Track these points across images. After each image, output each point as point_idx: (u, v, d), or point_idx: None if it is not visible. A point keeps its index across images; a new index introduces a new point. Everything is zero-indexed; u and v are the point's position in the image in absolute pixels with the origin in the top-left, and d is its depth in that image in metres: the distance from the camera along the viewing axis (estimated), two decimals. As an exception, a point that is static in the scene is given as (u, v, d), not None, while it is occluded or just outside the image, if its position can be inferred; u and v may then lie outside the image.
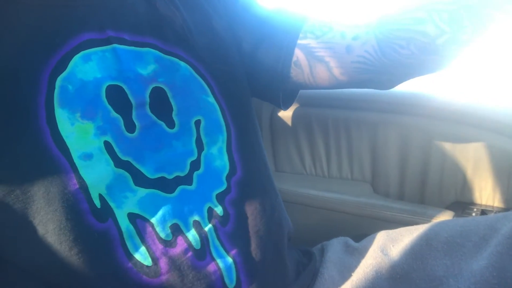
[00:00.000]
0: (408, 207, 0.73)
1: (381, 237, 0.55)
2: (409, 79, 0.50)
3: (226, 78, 0.50)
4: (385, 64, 0.46)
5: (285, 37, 0.50)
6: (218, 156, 0.47)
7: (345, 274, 0.51)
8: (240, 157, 0.48)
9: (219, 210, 0.45)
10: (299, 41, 0.50)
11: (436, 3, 0.41)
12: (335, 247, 0.58)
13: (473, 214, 0.69)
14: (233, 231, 0.45)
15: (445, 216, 0.70)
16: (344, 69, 0.49)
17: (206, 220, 0.43)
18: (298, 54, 0.50)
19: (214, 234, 0.44)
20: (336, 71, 0.49)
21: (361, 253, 0.54)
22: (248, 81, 0.54)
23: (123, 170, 0.39)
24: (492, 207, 0.70)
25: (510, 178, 0.67)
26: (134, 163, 0.40)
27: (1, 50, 0.36)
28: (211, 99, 0.47)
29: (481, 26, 0.40)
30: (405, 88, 0.75)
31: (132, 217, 0.39)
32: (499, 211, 0.69)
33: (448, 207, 0.72)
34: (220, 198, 0.45)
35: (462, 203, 0.72)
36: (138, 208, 0.40)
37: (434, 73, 0.47)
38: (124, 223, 0.38)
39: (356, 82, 0.51)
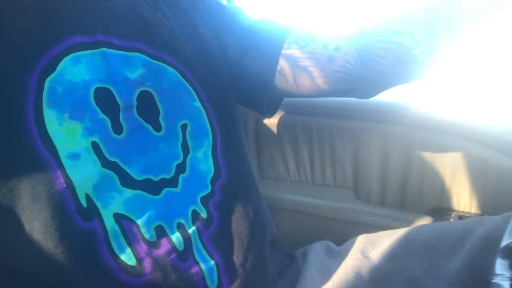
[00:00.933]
0: (389, 213, 0.75)
1: (362, 240, 0.56)
2: (388, 88, 0.52)
3: (212, 84, 0.51)
4: (365, 73, 0.48)
5: (270, 47, 0.52)
6: (203, 160, 0.48)
7: (326, 275, 0.52)
8: (225, 162, 0.49)
9: (203, 213, 0.46)
10: (283, 51, 0.51)
11: (413, 16, 0.44)
12: (317, 250, 0.59)
13: (451, 219, 0.71)
14: (216, 234, 0.46)
15: (424, 221, 0.72)
16: (327, 78, 0.50)
17: (190, 223, 0.44)
18: (283, 63, 0.51)
19: (197, 237, 0.44)
20: (319, 80, 0.51)
21: (342, 256, 0.55)
22: (234, 89, 0.55)
23: (110, 171, 0.40)
24: (469, 213, 0.72)
25: (485, 186, 0.69)
26: (121, 164, 0.41)
27: None
28: (198, 104, 0.48)
29: (454, 37, 0.42)
30: (387, 97, 0.77)
31: (118, 217, 0.39)
32: (475, 217, 0.71)
33: (427, 213, 0.74)
34: (205, 201, 0.46)
35: (441, 209, 0.74)
36: (124, 209, 0.40)
37: (411, 82, 0.49)
38: (110, 223, 0.39)
39: (338, 91, 0.53)
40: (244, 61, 0.54)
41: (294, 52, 0.51)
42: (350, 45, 0.48)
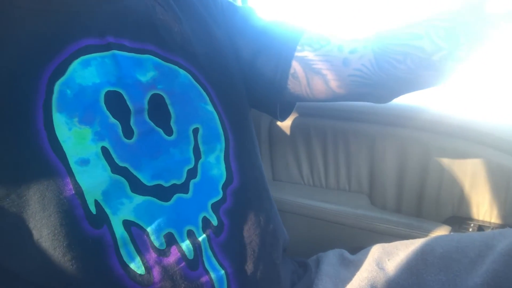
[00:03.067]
0: (405, 220, 0.73)
1: (377, 250, 0.55)
2: (405, 93, 0.50)
3: (225, 87, 0.50)
4: (382, 78, 0.46)
5: (283, 49, 0.51)
6: (215, 164, 0.47)
7: (340, 287, 0.51)
8: (238, 167, 0.48)
9: (213, 220, 0.45)
10: (296, 53, 0.50)
11: (433, 20, 0.42)
12: (330, 259, 0.57)
13: (470, 229, 0.69)
14: (226, 242, 0.45)
15: (442, 230, 0.70)
16: (341, 82, 0.49)
17: (201, 230, 0.43)
18: (296, 66, 0.50)
19: (207, 245, 0.43)
20: (333, 84, 0.49)
21: (356, 266, 0.53)
22: (246, 91, 0.54)
23: (120, 176, 0.39)
24: (489, 223, 0.70)
25: (507, 194, 0.67)
26: (131, 169, 0.40)
27: (1, 53, 0.36)
28: (210, 107, 0.47)
29: (476, 43, 0.40)
30: (404, 101, 0.75)
31: (127, 224, 0.39)
32: (496, 227, 0.69)
33: (445, 222, 0.72)
34: (215, 208, 0.45)
35: (459, 218, 0.72)
36: (134, 216, 0.39)
37: (430, 88, 0.48)
38: (119, 230, 0.38)
39: (352, 95, 0.51)
40: (256, 63, 0.53)
41: (308, 54, 0.50)
42: (366, 48, 0.47)
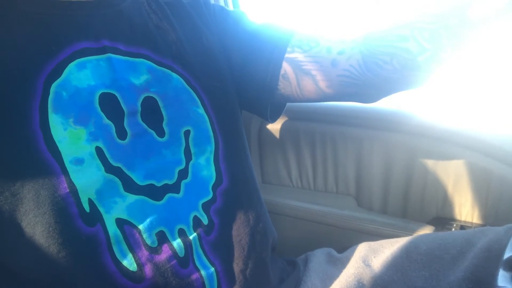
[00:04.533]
0: (390, 221, 0.75)
1: (363, 248, 0.56)
2: (392, 93, 0.52)
3: (216, 91, 0.51)
4: (369, 78, 0.48)
5: (273, 51, 0.52)
6: (206, 166, 0.48)
7: (327, 283, 0.52)
8: (227, 168, 0.49)
9: (204, 219, 0.46)
10: (287, 55, 0.51)
11: (418, 22, 0.44)
12: (318, 257, 0.59)
13: (453, 229, 0.71)
14: (216, 241, 0.46)
15: (426, 230, 0.71)
16: (330, 82, 0.50)
17: (191, 229, 0.44)
18: (286, 67, 0.52)
19: (198, 243, 0.44)
20: (322, 84, 0.51)
21: (343, 264, 0.55)
22: (238, 94, 0.56)
23: (113, 176, 0.40)
24: (471, 223, 0.72)
25: (488, 195, 0.69)
26: (124, 169, 0.41)
27: (0, 56, 0.36)
28: (201, 110, 0.48)
29: (459, 45, 0.42)
30: (390, 105, 0.77)
31: (120, 222, 0.40)
32: (477, 227, 0.71)
33: (429, 222, 0.74)
34: (206, 208, 0.46)
35: (443, 219, 0.74)
36: (127, 214, 0.40)
37: (415, 88, 0.49)
38: (112, 228, 0.39)
39: (341, 95, 0.53)
40: (247, 65, 0.54)
41: (298, 56, 0.51)
42: (354, 49, 0.48)
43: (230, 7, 1.02)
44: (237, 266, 0.47)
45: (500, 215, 0.68)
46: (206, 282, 0.44)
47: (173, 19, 0.50)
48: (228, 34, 0.55)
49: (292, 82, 0.52)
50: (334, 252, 0.60)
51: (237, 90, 0.55)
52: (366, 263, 0.53)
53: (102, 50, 0.42)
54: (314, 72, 0.50)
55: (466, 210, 0.72)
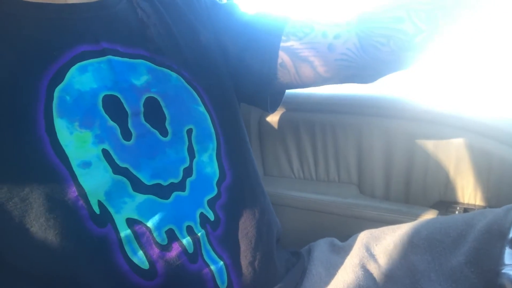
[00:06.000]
0: (393, 207, 0.76)
1: (365, 235, 0.57)
2: (389, 73, 0.52)
3: (214, 88, 0.51)
4: (367, 60, 0.48)
5: (268, 41, 0.52)
6: (209, 163, 0.48)
7: (332, 271, 0.53)
8: (229, 164, 0.50)
9: (210, 215, 0.46)
10: (282, 44, 0.51)
11: (414, 3, 0.43)
12: (321, 247, 0.60)
13: (456, 212, 0.72)
14: (223, 235, 0.47)
15: (430, 214, 0.72)
16: (328, 67, 0.50)
17: (199, 225, 0.45)
18: (283, 56, 0.51)
19: (205, 239, 0.45)
20: (321, 69, 0.51)
21: (346, 252, 0.56)
22: (236, 87, 0.56)
23: (121, 177, 0.41)
24: (474, 205, 0.73)
25: (489, 178, 0.69)
26: (131, 169, 0.42)
27: (0, 61, 0.37)
28: (202, 108, 0.49)
29: (455, 25, 0.42)
30: (389, 91, 0.78)
31: (131, 222, 0.40)
32: (480, 209, 0.71)
33: (432, 206, 0.75)
34: (211, 204, 0.47)
35: (446, 202, 0.75)
36: (137, 214, 0.41)
37: (411, 67, 0.49)
38: (123, 228, 0.40)
39: (340, 78, 0.53)
40: (244, 57, 0.54)
41: (293, 43, 0.51)
42: (350, 32, 0.48)
43: (223, 0, 1.01)
44: (245, 258, 0.48)
45: (502, 196, 0.69)
46: (216, 276, 0.45)
47: (168, 17, 0.50)
48: (222, 28, 0.55)
49: (290, 70, 0.52)
50: (336, 241, 0.61)
51: (235, 83, 0.56)
52: (368, 250, 0.54)
53: (102, 53, 0.42)
54: (311, 59, 0.50)
55: (468, 193, 0.72)
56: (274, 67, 0.52)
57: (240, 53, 0.54)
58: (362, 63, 0.48)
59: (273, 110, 0.61)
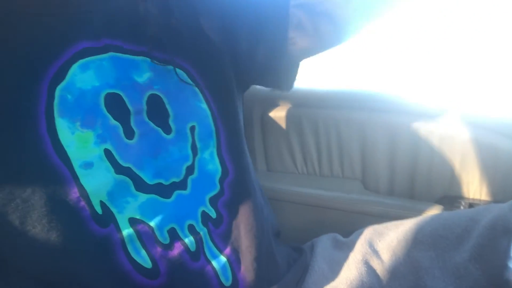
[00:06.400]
0: (398, 202, 0.75)
1: (369, 231, 0.57)
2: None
3: (217, 84, 0.50)
4: None
5: (277, 5, 0.49)
6: (210, 160, 0.48)
7: (335, 267, 0.53)
8: (231, 160, 0.50)
9: (212, 213, 0.46)
10: (293, 1, 0.48)
11: None
12: (324, 242, 0.59)
13: (462, 207, 0.71)
14: (226, 232, 0.47)
15: (435, 210, 0.72)
16: (346, 14, 0.47)
17: (200, 224, 0.45)
18: (299, 14, 0.48)
19: (207, 236, 0.45)
20: (340, 21, 0.48)
21: (349, 248, 0.56)
22: (252, 69, 0.53)
23: (124, 176, 0.40)
24: (480, 200, 0.72)
25: (495, 172, 0.69)
26: (134, 169, 0.41)
27: (0, 60, 0.36)
28: (204, 105, 0.49)
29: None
30: (392, 89, 0.77)
31: (133, 221, 0.40)
32: (485, 204, 0.71)
33: (437, 201, 0.74)
34: (213, 201, 0.47)
35: (451, 197, 0.74)
36: (139, 213, 0.41)
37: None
38: (125, 228, 0.40)
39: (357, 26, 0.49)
40: (256, 37, 0.51)
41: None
42: None
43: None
44: (249, 254, 0.47)
45: (508, 191, 0.68)
46: (220, 273, 0.45)
47: (173, 10, 0.48)
48: (230, 12, 0.51)
49: (308, 30, 0.49)
50: (339, 237, 0.61)
51: (246, 63, 0.53)
52: (372, 246, 0.53)
53: (104, 49, 0.41)
54: (329, 11, 0.47)
55: (474, 188, 0.72)
56: (289, 32, 0.49)
57: (251, 33, 0.51)
58: None
59: (288, 88, 0.57)
